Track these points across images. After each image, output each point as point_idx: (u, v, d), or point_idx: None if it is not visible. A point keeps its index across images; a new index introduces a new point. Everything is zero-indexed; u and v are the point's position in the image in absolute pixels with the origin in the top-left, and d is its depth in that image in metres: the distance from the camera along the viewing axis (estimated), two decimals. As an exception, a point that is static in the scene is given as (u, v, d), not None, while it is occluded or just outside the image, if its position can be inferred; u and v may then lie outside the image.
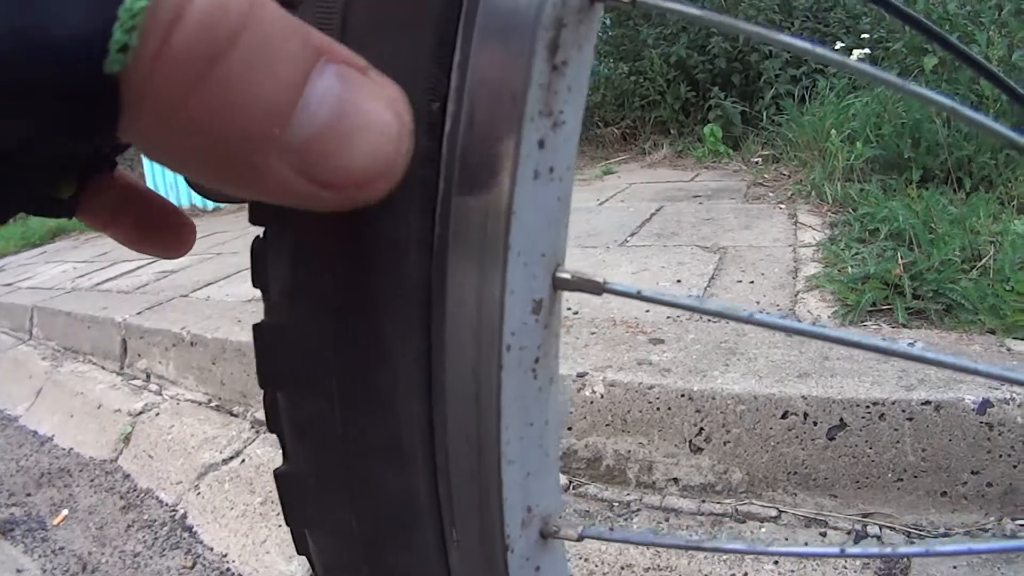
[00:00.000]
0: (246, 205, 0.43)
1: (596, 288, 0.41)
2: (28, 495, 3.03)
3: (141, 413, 3.37)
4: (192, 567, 2.34)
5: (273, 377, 0.47)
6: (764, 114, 5.76)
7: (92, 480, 3.08)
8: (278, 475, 0.51)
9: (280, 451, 0.49)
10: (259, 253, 0.44)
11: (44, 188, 0.32)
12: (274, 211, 0.40)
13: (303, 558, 0.58)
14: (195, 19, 0.24)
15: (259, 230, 0.43)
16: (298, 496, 0.52)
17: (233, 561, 2.32)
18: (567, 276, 0.42)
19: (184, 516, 2.63)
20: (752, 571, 1.66)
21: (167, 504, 2.75)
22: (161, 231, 0.46)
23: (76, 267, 6.79)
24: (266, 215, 0.42)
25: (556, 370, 0.46)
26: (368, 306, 0.43)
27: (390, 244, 0.40)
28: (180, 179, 6.42)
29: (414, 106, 0.34)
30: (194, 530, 2.55)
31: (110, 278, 5.57)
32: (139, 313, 4.04)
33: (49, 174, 0.35)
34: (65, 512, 2.83)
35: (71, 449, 3.44)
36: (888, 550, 0.46)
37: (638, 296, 0.41)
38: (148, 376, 3.78)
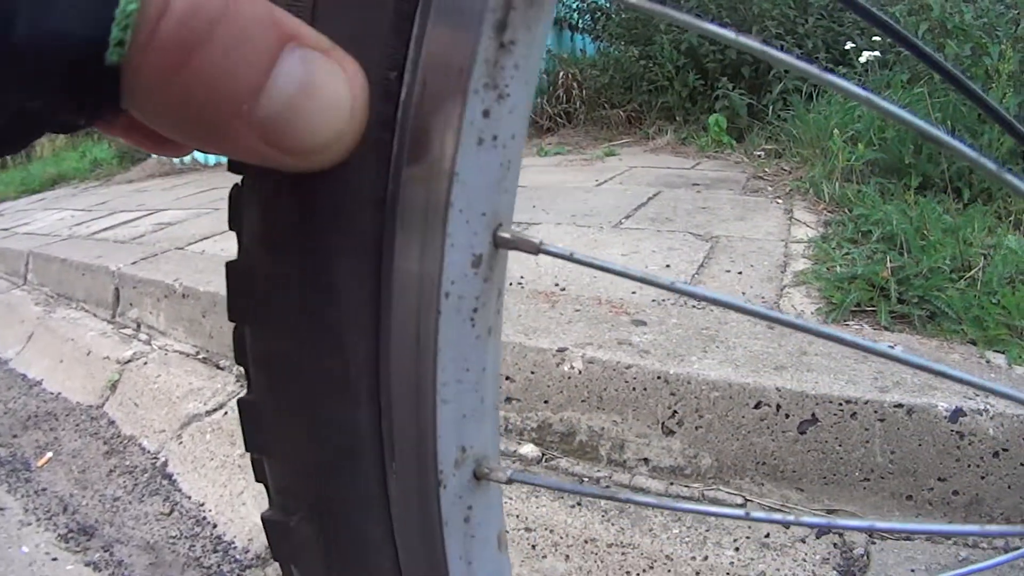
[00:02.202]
0: None
1: (533, 248, 0.44)
2: (14, 436, 3.07)
3: (129, 361, 3.39)
4: (169, 514, 2.37)
5: (241, 313, 0.50)
6: (771, 108, 5.72)
7: (77, 425, 3.12)
8: (240, 402, 0.55)
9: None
10: (235, 199, 0.48)
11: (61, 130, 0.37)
12: (249, 165, 0.44)
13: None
14: (175, 17, 0.30)
15: (238, 178, 0.47)
16: (257, 424, 0.55)
17: (210, 511, 2.35)
18: (507, 236, 0.45)
19: (165, 464, 2.66)
20: (712, 555, 1.68)
21: (149, 452, 2.78)
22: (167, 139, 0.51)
23: (74, 215, 6.81)
24: (242, 167, 0.46)
25: (496, 323, 0.49)
26: (325, 253, 0.46)
27: (348, 199, 0.44)
28: None
29: (373, 75, 0.39)
30: (174, 478, 2.57)
31: (107, 227, 5.58)
32: (134, 263, 4.05)
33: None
34: (49, 455, 2.87)
35: (59, 394, 3.47)
36: (791, 517, 0.48)
37: (571, 258, 0.43)
38: (139, 326, 3.81)
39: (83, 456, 2.83)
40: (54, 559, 2.16)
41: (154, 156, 10.64)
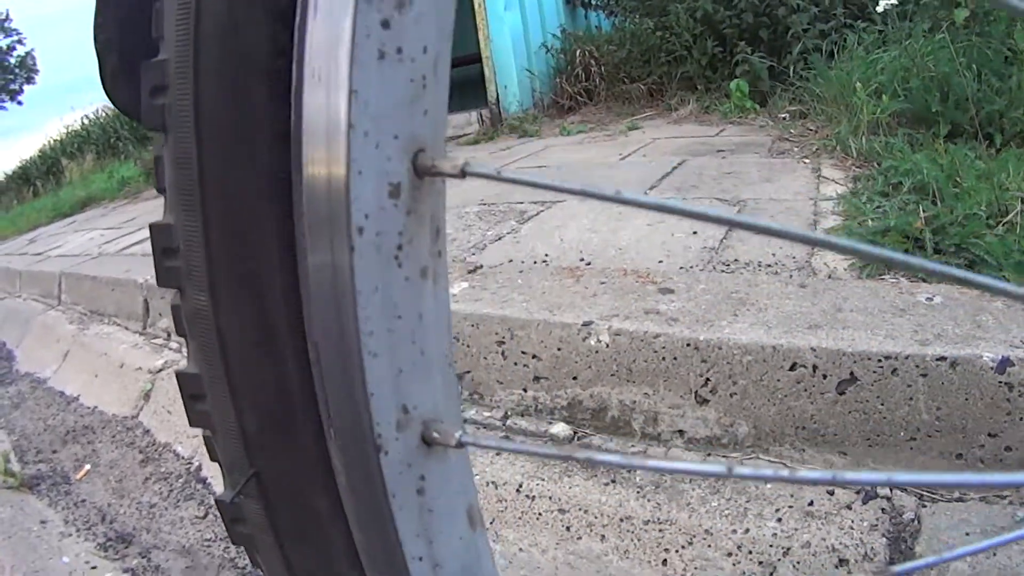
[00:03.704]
0: None
1: (457, 171, 0.40)
2: (54, 452, 3.13)
3: (161, 370, 3.42)
4: (204, 517, 2.38)
5: (166, 276, 0.48)
6: (792, 69, 5.66)
7: (114, 436, 3.16)
8: (177, 375, 0.54)
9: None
10: (157, 159, 0.46)
11: None
12: (164, 121, 0.44)
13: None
14: None
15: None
16: (194, 396, 0.54)
17: None
18: (429, 162, 0.41)
19: (199, 468, 2.68)
20: (754, 527, 1.62)
21: (183, 457, 2.81)
22: None
23: (103, 234, 6.96)
24: (158, 124, 0.45)
25: (436, 266, 0.45)
26: (230, 199, 0.43)
27: (248, 136, 0.42)
28: None
29: (265, 4, 0.40)
30: (207, 481, 2.59)
31: (136, 242, 5.68)
32: None
33: None
34: (88, 467, 2.92)
35: (95, 407, 3.52)
36: (784, 473, 0.42)
37: (497, 176, 0.39)
38: (168, 335, 3.86)
39: (120, 466, 2.87)
40: (93, 567, 2.18)
41: None
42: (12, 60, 37.94)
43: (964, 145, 3.49)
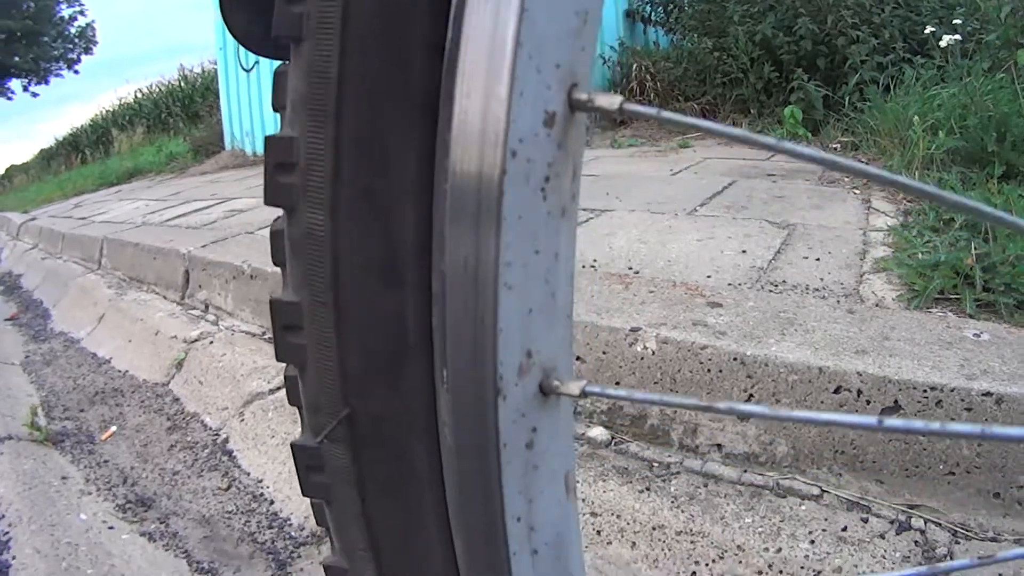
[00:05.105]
0: None
1: (615, 108, 0.39)
2: (81, 411, 3.15)
3: (196, 341, 3.47)
4: (227, 489, 2.41)
5: (276, 192, 0.47)
6: (847, 100, 5.64)
7: (142, 401, 3.19)
8: (272, 303, 0.51)
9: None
10: (279, 77, 0.46)
11: None
12: (300, 30, 0.43)
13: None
14: None
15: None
16: (288, 327, 0.51)
17: (268, 487, 2.38)
18: (584, 96, 0.40)
19: (226, 441, 2.70)
20: (787, 547, 1.62)
21: (211, 428, 2.83)
22: None
23: (148, 204, 7.12)
24: (293, 32, 0.44)
25: (571, 207, 0.43)
26: (370, 111, 0.42)
27: (395, 48, 0.41)
28: (256, 127, 6.90)
29: None
30: (233, 454, 2.61)
31: (181, 215, 5.78)
32: (204, 246, 4.17)
33: None
34: (113, 429, 2.93)
35: (126, 371, 3.57)
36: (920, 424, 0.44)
37: (657, 116, 0.39)
38: (207, 307, 3.91)
39: (146, 431, 2.89)
40: (111, 527, 2.20)
41: (227, 148, 11.09)
42: (73, 30, 38.50)
43: (1018, 186, 3.48)
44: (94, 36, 39.31)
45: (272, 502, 2.31)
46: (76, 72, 39.13)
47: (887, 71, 5.69)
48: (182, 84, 18.96)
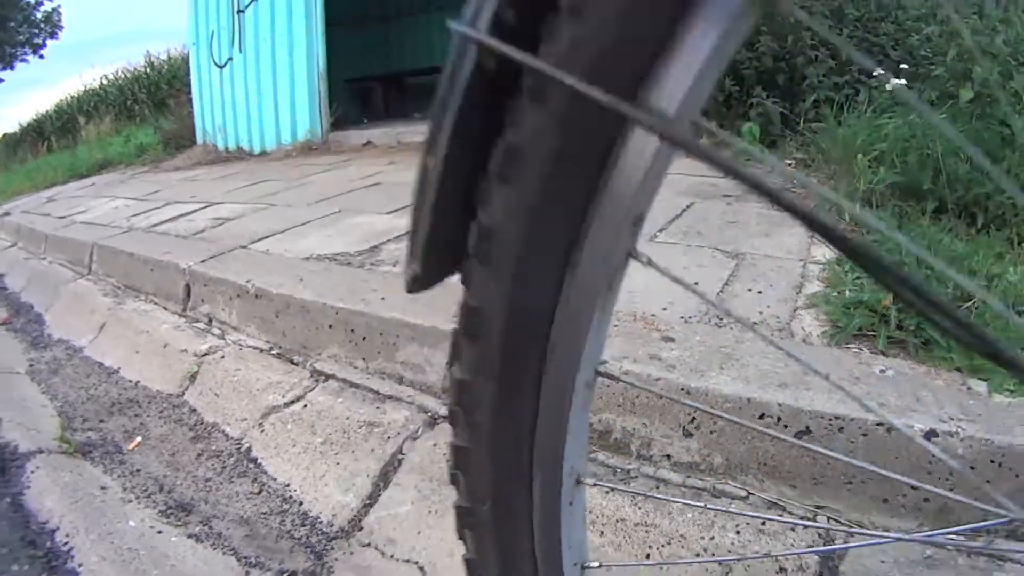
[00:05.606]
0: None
1: None
2: (101, 421, 3.17)
3: (206, 355, 3.50)
4: (258, 493, 2.52)
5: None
6: (803, 117, 5.73)
7: (161, 412, 3.22)
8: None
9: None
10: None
11: None
12: None
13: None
14: None
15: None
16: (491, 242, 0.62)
17: (295, 490, 2.50)
18: None
19: (249, 449, 2.80)
20: (719, 535, 1.93)
21: (233, 438, 2.91)
22: None
23: (128, 204, 7.01)
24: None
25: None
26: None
27: None
28: (228, 122, 7.53)
29: None
30: (259, 462, 2.72)
31: (165, 220, 5.69)
32: (203, 261, 4.13)
33: None
34: (139, 439, 2.98)
35: (138, 382, 3.57)
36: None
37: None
38: (210, 320, 3.89)
39: (171, 440, 2.95)
40: (159, 532, 2.28)
41: (199, 143, 10.75)
42: (39, 15, 37.47)
43: (947, 223, 3.63)
44: (60, 21, 38.04)
45: (301, 503, 2.43)
46: (41, 57, 37.89)
47: (843, 91, 5.76)
48: (148, 71, 18.34)
